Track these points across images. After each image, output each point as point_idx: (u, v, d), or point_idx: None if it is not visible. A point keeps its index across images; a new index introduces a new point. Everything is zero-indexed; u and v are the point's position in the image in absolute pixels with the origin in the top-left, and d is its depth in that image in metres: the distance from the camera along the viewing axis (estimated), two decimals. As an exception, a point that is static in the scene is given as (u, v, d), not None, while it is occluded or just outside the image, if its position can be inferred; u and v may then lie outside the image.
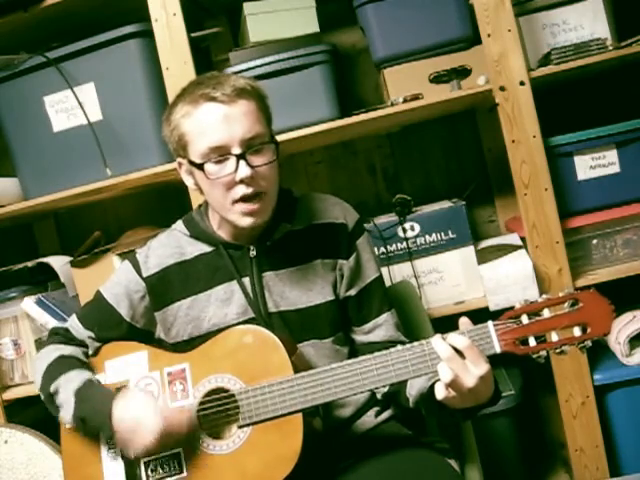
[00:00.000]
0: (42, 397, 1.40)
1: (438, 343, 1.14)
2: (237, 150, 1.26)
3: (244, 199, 1.28)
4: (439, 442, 1.46)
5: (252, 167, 1.26)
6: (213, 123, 1.25)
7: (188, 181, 1.37)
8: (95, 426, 1.31)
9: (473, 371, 1.12)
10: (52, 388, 1.36)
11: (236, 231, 1.38)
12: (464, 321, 1.18)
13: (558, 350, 1.15)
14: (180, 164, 1.37)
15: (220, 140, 1.25)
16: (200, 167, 1.28)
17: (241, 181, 1.26)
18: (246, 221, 1.31)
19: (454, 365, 1.12)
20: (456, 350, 1.13)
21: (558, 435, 2.08)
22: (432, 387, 1.18)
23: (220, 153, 1.26)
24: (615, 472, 1.82)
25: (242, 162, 1.25)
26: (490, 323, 1.16)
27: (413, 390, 1.31)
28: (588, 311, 1.14)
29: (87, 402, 1.31)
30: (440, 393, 1.14)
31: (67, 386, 1.34)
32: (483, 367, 1.12)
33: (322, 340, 1.39)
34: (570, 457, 1.83)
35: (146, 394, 1.31)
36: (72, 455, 1.38)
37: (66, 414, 1.34)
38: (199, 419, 1.30)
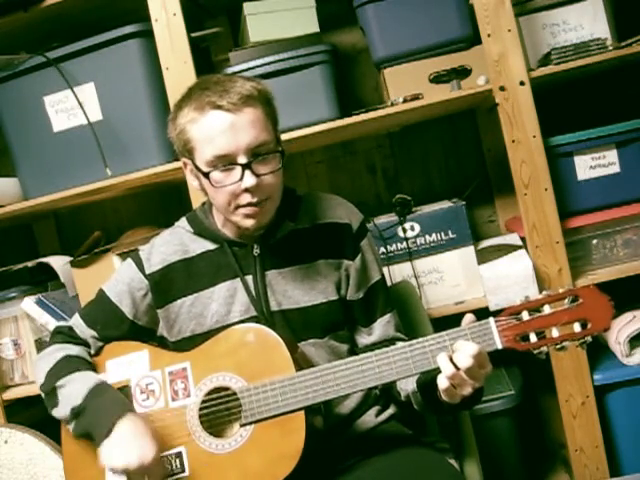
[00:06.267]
0: (43, 390, 1.38)
1: (443, 362, 1.16)
2: (243, 159, 1.26)
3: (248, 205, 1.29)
4: (439, 442, 1.47)
5: (257, 176, 1.26)
6: (219, 132, 1.25)
7: (193, 182, 1.37)
8: (91, 423, 1.28)
9: (471, 384, 1.16)
10: (60, 382, 1.34)
11: (240, 230, 1.38)
12: (468, 318, 1.20)
13: (559, 346, 1.16)
14: (185, 164, 1.36)
15: (226, 149, 1.25)
16: (206, 175, 1.28)
17: (246, 189, 1.27)
18: (249, 223, 1.31)
19: (455, 381, 1.16)
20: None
21: (558, 435, 2.08)
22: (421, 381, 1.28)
23: (226, 162, 1.26)
24: (615, 472, 1.82)
25: (247, 172, 1.26)
26: (491, 319, 1.17)
27: (403, 384, 1.35)
28: (588, 307, 1.15)
29: (100, 398, 1.30)
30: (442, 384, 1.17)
31: (83, 380, 1.33)
32: (480, 382, 1.17)
33: (323, 339, 1.39)
34: (570, 457, 1.83)
35: (151, 439, 1.25)
36: (73, 456, 1.38)
37: (65, 406, 1.32)
38: (201, 418, 1.30)
